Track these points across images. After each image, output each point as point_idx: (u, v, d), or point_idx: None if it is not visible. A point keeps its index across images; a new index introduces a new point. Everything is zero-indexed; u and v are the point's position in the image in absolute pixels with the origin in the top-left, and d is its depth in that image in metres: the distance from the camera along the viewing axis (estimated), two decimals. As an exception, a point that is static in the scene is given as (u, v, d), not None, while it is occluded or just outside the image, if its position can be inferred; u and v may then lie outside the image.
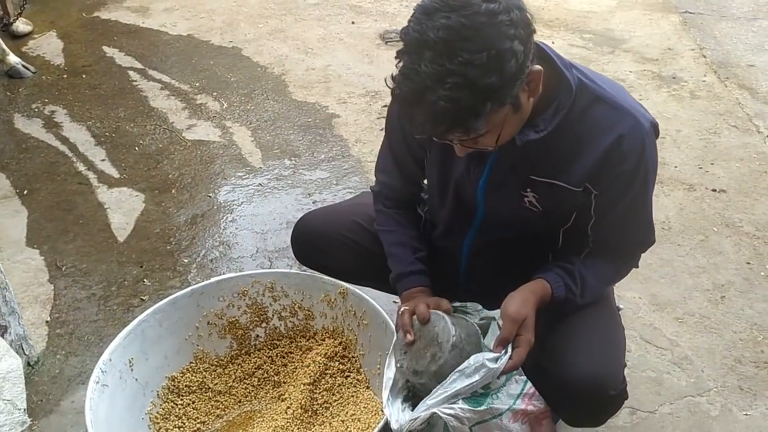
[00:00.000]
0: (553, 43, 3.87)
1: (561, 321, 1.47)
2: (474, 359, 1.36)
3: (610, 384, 1.39)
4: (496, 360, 1.35)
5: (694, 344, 2.06)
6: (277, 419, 1.76)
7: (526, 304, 1.40)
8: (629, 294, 2.22)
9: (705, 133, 3.04)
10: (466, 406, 1.34)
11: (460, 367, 1.36)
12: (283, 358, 1.90)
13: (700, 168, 2.82)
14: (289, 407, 1.78)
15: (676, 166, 2.83)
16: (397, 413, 1.40)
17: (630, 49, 3.78)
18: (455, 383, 1.35)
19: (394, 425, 1.38)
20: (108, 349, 1.63)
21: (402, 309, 1.47)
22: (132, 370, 1.69)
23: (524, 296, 1.42)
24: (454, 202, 1.56)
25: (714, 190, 2.69)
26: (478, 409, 1.35)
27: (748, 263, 2.35)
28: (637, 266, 1.59)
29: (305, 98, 3.41)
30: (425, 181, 1.68)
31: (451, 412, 1.33)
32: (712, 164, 2.84)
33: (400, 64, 1.19)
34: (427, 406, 1.35)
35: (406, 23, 1.20)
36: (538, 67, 1.22)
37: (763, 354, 2.02)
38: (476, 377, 1.34)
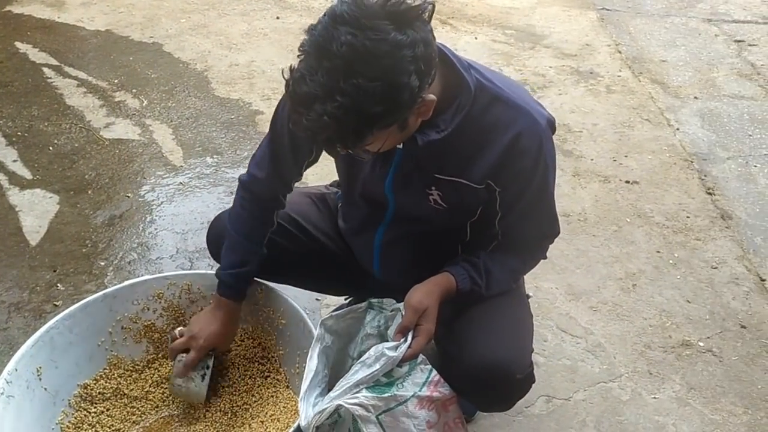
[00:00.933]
0: (476, 38, 3.94)
1: (468, 308, 1.50)
2: (374, 349, 1.39)
3: (516, 368, 1.43)
4: (395, 348, 1.38)
5: (607, 332, 2.14)
6: (195, 423, 1.74)
7: (429, 296, 1.44)
8: (546, 285, 2.29)
9: (620, 127, 3.15)
10: (369, 394, 1.36)
11: (362, 358, 1.39)
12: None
13: (615, 160, 2.92)
14: (207, 410, 1.76)
15: (592, 159, 2.93)
16: (307, 408, 1.40)
17: (550, 44, 3.88)
18: (357, 374, 1.37)
19: (302, 422, 1.38)
20: (13, 358, 1.56)
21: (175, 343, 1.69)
22: (40, 379, 1.62)
23: (428, 288, 1.45)
24: (363, 198, 1.57)
25: (627, 182, 2.79)
26: (383, 396, 1.37)
27: (658, 252, 2.45)
28: (545, 257, 1.64)
29: (228, 95, 3.36)
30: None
31: (355, 401, 1.34)
32: (626, 157, 2.95)
33: (301, 62, 1.18)
34: (330, 399, 1.36)
35: (316, 21, 1.19)
36: (432, 97, 1.24)
37: (670, 339, 2.12)
38: (377, 366, 1.36)
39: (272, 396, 1.76)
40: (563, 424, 1.86)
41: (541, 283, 2.29)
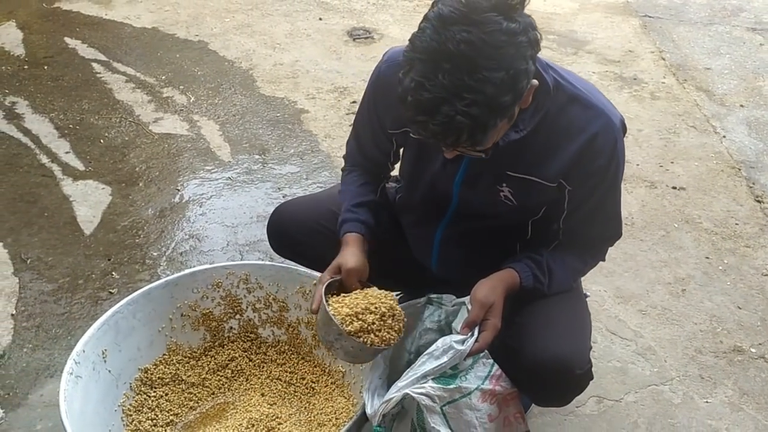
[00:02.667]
0: (518, 43, 3.94)
1: (529, 304, 1.51)
2: (442, 342, 1.41)
3: (576, 363, 1.44)
4: (463, 342, 1.40)
5: (656, 335, 2.13)
6: (251, 411, 1.76)
7: (495, 291, 1.45)
8: (594, 287, 2.29)
9: (665, 133, 3.14)
10: (435, 385, 1.38)
11: (429, 350, 1.41)
12: (257, 350, 1.90)
13: (661, 166, 2.91)
14: (263, 395, 1.79)
15: (638, 164, 2.92)
16: (371, 399, 1.43)
17: (592, 50, 3.87)
18: (424, 365, 1.39)
19: (368, 410, 1.40)
20: (81, 340, 1.61)
21: (323, 276, 1.52)
22: (105, 361, 1.67)
23: (493, 283, 1.47)
24: (428, 193, 1.59)
25: (674, 188, 2.78)
26: (448, 387, 1.39)
27: (707, 258, 2.43)
28: (604, 259, 1.65)
29: (273, 93, 3.40)
30: (397, 172, 1.72)
31: (422, 391, 1.37)
32: (672, 163, 2.94)
33: (411, 71, 1.19)
34: (398, 388, 1.39)
35: (419, 28, 1.20)
36: (535, 82, 1.26)
37: (721, 344, 2.11)
38: (444, 358, 1.38)
39: (325, 386, 1.79)
40: (615, 425, 1.86)
41: (589, 286, 2.29)
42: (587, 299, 1.72)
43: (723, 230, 2.56)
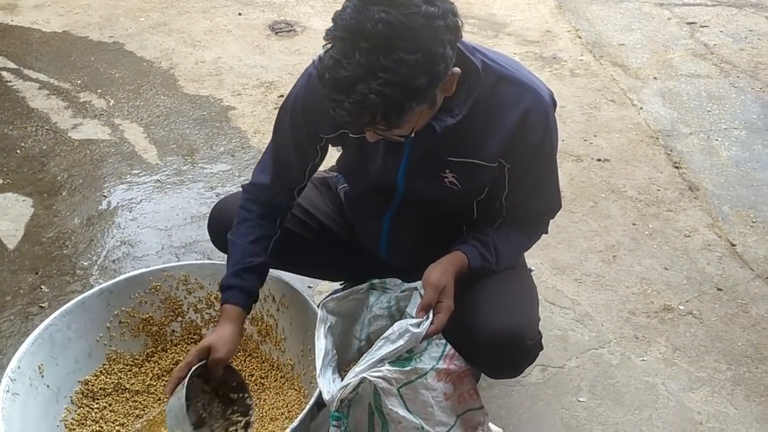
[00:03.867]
0: (440, 28, 3.98)
1: (479, 281, 1.54)
2: (398, 326, 1.41)
3: (527, 334, 1.49)
4: (418, 325, 1.41)
5: (592, 301, 2.21)
6: (200, 413, 1.73)
7: (446, 273, 1.47)
8: (531, 260, 2.32)
9: (586, 108, 3.24)
10: (392, 368, 1.39)
11: (385, 334, 1.42)
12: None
13: (585, 140, 3.01)
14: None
15: (563, 140, 3.00)
16: (328, 384, 1.43)
17: (512, 32, 3.96)
18: (381, 349, 1.40)
19: (326, 396, 1.40)
20: (15, 356, 1.54)
21: (190, 358, 1.47)
22: (42, 376, 1.60)
23: (444, 266, 1.49)
24: (373, 187, 1.59)
25: (599, 160, 2.88)
26: (404, 369, 1.41)
27: (634, 224, 2.54)
28: (546, 232, 1.70)
29: (197, 92, 3.33)
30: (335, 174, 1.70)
31: (379, 374, 1.38)
32: (595, 136, 3.04)
33: (331, 48, 1.19)
34: (355, 373, 1.39)
35: (341, 7, 1.20)
36: (457, 69, 1.27)
37: (652, 305, 2.21)
38: (401, 342, 1.39)
39: (275, 381, 1.78)
40: (559, 390, 1.92)
41: (527, 259, 2.34)
42: (532, 272, 1.77)
43: (646, 197, 2.67)
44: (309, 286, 2.20)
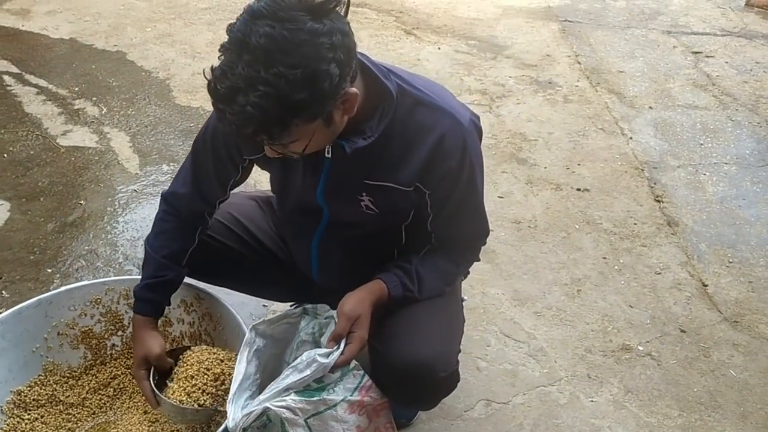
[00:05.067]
0: (439, 48, 3.98)
1: (399, 309, 1.52)
2: (306, 355, 1.40)
3: (440, 365, 1.45)
4: (327, 355, 1.39)
5: (549, 336, 2.16)
6: (131, 430, 1.73)
7: (362, 303, 1.45)
8: (493, 290, 2.31)
9: (574, 136, 3.20)
10: (298, 398, 1.37)
11: (293, 363, 1.40)
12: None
13: (568, 168, 2.96)
14: (144, 413, 1.76)
15: (545, 167, 2.96)
16: (234, 411, 1.41)
17: (511, 55, 3.93)
18: (287, 378, 1.38)
19: (230, 423, 1.39)
20: (-60, 364, 1.56)
21: (139, 373, 1.59)
22: (-30, 385, 1.62)
23: (361, 296, 1.47)
24: (298, 207, 1.59)
25: (578, 189, 2.83)
26: (312, 399, 1.38)
27: (605, 258, 2.48)
28: (478, 259, 1.67)
29: (189, 103, 3.37)
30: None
31: (283, 404, 1.36)
32: (578, 165, 2.99)
33: (221, 58, 1.20)
34: (259, 401, 1.37)
35: (235, 20, 1.21)
36: (354, 90, 1.26)
37: (611, 343, 2.15)
38: (308, 372, 1.38)
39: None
40: (501, 428, 1.88)
41: (488, 289, 2.32)
42: (465, 302, 1.74)
43: (622, 230, 2.62)
44: (264, 305, 2.20)
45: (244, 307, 2.16)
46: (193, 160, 1.61)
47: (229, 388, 1.51)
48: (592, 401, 1.97)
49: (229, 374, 1.56)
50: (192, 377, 1.56)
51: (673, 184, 2.88)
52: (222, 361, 1.59)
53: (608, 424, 1.90)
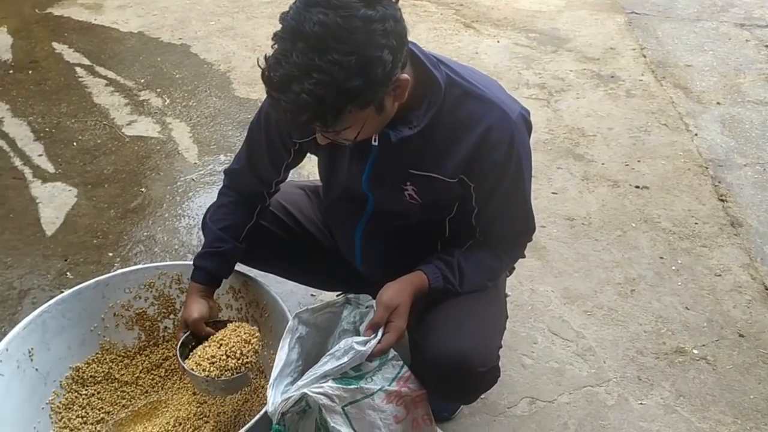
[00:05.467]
0: (498, 42, 3.93)
1: (440, 302, 1.52)
2: (344, 343, 1.41)
3: (478, 361, 1.44)
4: (365, 343, 1.40)
5: (599, 336, 2.11)
6: (180, 410, 1.79)
7: (401, 293, 1.46)
8: (542, 288, 2.28)
9: (635, 131, 3.10)
10: (335, 385, 1.39)
11: (331, 350, 1.42)
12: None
13: (627, 165, 2.88)
14: (193, 395, 1.82)
15: (603, 163, 2.89)
16: (274, 396, 1.44)
17: (573, 48, 3.84)
18: (325, 365, 1.40)
19: (269, 407, 1.42)
20: (4, 339, 1.65)
21: (178, 335, 1.64)
22: (32, 360, 1.71)
23: (400, 286, 1.47)
24: (344, 194, 1.61)
25: (637, 187, 2.75)
26: (349, 387, 1.40)
27: (662, 258, 2.41)
28: (523, 256, 1.65)
29: (248, 95, 3.44)
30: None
31: (320, 390, 1.38)
32: (638, 161, 2.90)
33: (275, 47, 1.22)
34: (297, 387, 1.40)
35: (288, 8, 1.23)
36: (405, 76, 1.26)
37: (664, 345, 2.08)
38: (345, 359, 1.39)
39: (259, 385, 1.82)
40: (544, 426, 1.85)
41: (537, 286, 2.28)
42: (508, 298, 1.72)
43: (681, 230, 2.53)
44: (312, 294, 2.24)
45: (293, 296, 2.20)
46: (248, 142, 1.66)
47: (250, 364, 1.57)
48: (641, 404, 1.91)
49: (256, 351, 1.59)
50: (219, 345, 1.58)
51: (738, 183, 2.76)
52: (251, 339, 1.61)
53: (657, 428, 1.85)
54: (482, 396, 1.92)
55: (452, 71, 1.40)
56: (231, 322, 1.66)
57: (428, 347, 1.45)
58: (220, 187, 2.70)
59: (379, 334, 1.43)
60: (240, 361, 1.56)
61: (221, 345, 1.58)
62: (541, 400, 1.92)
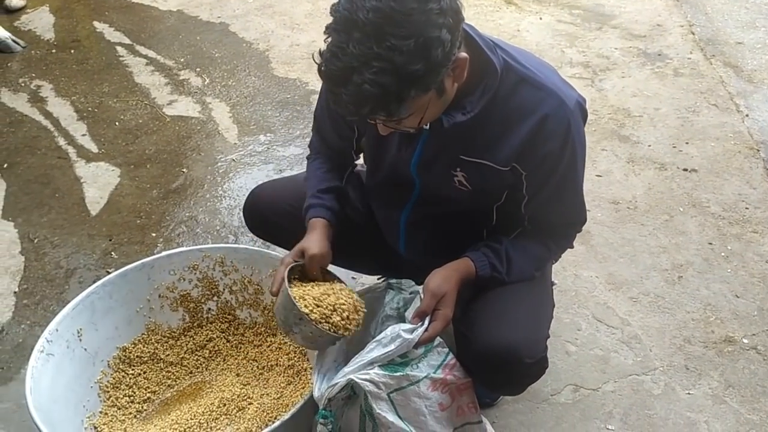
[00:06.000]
0: (540, 19, 3.84)
1: (486, 291, 1.50)
2: (390, 330, 1.41)
3: (525, 352, 1.41)
4: (411, 331, 1.40)
5: (645, 324, 2.07)
6: (224, 390, 1.81)
7: (448, 281, 1.44)
8: (586, 273, 2.24)
9: (683, 112, 3.01)
10: (381, 372, 1.39)
11: (378, 337, 1.42)
12: (235, 331, 1.95)
13: (674, 147, 2.80)
14: (237, 375, 1.84)
15: (649, 145, 2.81)
16: (320, 382, 1.45)
17: (618, 25, 3.73)
18: (372, 352, 1.40)
19: (315, 393, 1.43)
20: (55, 319, 1.69)
21: (286, 258, 1.51)
22: (81, 340, 1.74)
23: (447, 273, 1.45)
24: (390, 178, 1.59)
25: (685, 170, 2.67)
26: (395, 374, 1.39)
27: (710, 243, 2.34)
28: (572, 246, 1.61)
29: (287, 74, 3.42)
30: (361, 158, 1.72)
31: (367, 377, 1.38)
32: (686, 143, 2.82)
33: (329, 40, 1.19)
34: (344, 374, 1.40)
35: (336, 0, 1.20)
36: (464, 54, 1.23)
37: (712, 334, 2.03)
38: (392, 347, 1.39)
39: (290, 363, 1.83)
40: (588, 415, 1.83)
41: (581, 272, 2.24)
42: (555, 286, 1.70)
43: (731, 215, 2.45)
44: (353, 278, 2.23)
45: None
46: (316, 127, 1.69)
47: (349, 333, 1.45)
48: (689, 394, 1.87)
49: (358, 324, 1.48)
50: (329, 294, 1.47)
51: (792, 167, 2.67)
52: (359, 310, 1.50)
53: (705, 418, 1.81)
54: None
55: (509, 56, 1.36)
56: (343, 282, 1.57)
57: (476, 338, 1.43)
58: (260, 167, 2.77)
59: (426, 321, 1.42)
60: (344, 323, 1.44)
61: (331, 295, 1.46)
62: (585, 387, 1.89)
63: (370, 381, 1.39)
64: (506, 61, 1.35)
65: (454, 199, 1.52)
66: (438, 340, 1.46)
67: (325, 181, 1.64)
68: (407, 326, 1.42)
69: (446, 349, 1.47)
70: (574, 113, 1.38)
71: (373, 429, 1.45)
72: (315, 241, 1.54)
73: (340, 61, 1.15)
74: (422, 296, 1.46)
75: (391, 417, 1.41)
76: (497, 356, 1.41)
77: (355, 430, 1.46)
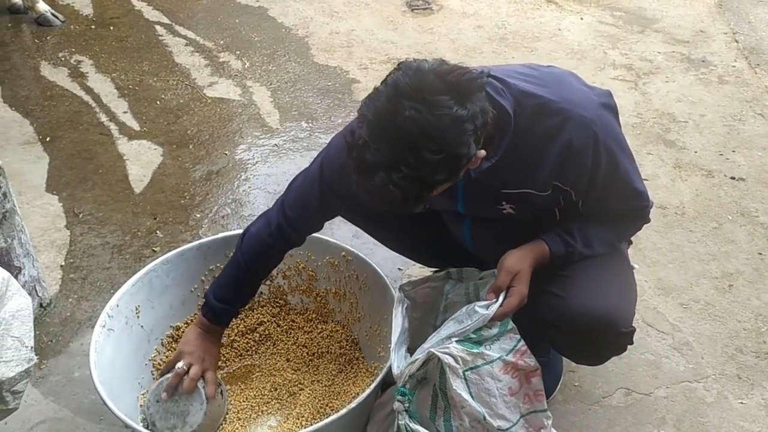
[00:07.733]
0: (581, 19, 3.81)
1: (562, 268, 1.52)
2: (466, 307, 1.44)
3: (621, 320, 1.46)
4: (487, 307, 1.42)
5: (696, 330, 2.06)
6: (275, 375, 1.81)
7: (523, 260, 1.47)
8: (636, 277, 2.21)
9: (729, 120, 2.98)
10: (459, 347, 1.39)
11: (454, 315, 1.44)
12: (286, 316, 1.94)
13: (721, 155, 2.78)
14: (288, 360, 1.83)
15: (696, 152, 2.79)
16: (398, 360, 1.46)
17: (661, 29, 3.70)
18: (449, 328, 1.42)
19: (395, 370, 1.44)
20: (116, 295, 1.68)
21: (180, 365, 1.58)
22: (138, 317, 1.73)
23: (522, 253, 1.49)
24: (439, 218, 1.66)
25: (733, 178, 2.65)
26: (472, 351, 1.40)
27: (760, 254, 2.32)
28: (648, 220, 1.62)
29: (327, 62, 3.40)
30: None
31: (446, 350, 1.39)
32: (733, 152, 2.80)
33: (363, 129, 1.22)
34: (423, 350, 1.41)
35: (375, 91, 1.23)
36: (482, 152, 1.28)
37: (765, 344, 2.02)
38: (468, 321, 1.41)
39: (345, 355, 1.82)
40: (641, 419, 1.81)
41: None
42: (634, 270, 1.70)
43: (781, 226, 2.43)
44: (399, 268, 2.22)
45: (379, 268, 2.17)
46: (301, 200, 1.61)
47: None
48: (741, 403, 1.86)
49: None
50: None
51: (841, 180, 2.64)
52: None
53: (759, 428, 1.79)
54: (576, 383, 1.91)
55: (517, 89, 1.37)
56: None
57: (572, 299, 1.46)
58: (303, 154, 2.75)
59: (501, 297, 1.44)
60: None
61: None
62: (637, 392, 1.88)
63: (450, 354, 1.40)
64: (515, 98, 1.37)
65: (509, 221, 1.54)
66: (510, 324, 1.46)
67: (244, 294, 1.67)
68: (482, 302, 1.44)
69: (518, 336, 1.48)
70: (597, 122, 1.39)
71: (444, 409, 1.45)
72: (210, 353, 1.64)
73: (371, 154, 1.20)
74: (497, 274, 1.48)
75: (465, 395, 1.41)
76: (594, 318, 1.44)
77: (426, 411, 1.46)
